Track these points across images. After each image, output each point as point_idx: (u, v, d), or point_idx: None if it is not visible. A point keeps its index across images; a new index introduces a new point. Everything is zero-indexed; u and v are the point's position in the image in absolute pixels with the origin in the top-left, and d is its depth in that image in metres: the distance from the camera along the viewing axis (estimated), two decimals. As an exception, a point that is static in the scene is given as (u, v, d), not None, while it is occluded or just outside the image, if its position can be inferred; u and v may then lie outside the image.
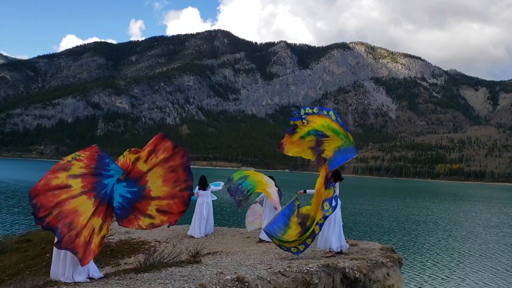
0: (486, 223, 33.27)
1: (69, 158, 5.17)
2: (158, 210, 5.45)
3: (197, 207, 11.23)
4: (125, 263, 8.39)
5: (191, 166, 5.63)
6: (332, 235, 7.74)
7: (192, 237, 11.01)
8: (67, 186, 4.97)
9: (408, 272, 14.94)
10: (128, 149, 5.63)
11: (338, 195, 7.97)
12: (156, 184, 5.46)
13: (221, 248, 9.09)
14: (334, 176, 7.66)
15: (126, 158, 5.49)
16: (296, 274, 6.08)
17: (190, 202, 5.71)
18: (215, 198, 11.86)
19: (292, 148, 7.82)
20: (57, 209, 4.86)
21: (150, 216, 5.45)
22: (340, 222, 7.97)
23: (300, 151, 7.84)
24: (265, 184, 10.39)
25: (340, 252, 7.81)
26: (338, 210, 7.94)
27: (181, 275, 5.56)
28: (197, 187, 11.23)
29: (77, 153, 5.24)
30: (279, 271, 6.05)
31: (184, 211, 5.60)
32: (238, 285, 5.28)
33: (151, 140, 5.54)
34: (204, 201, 11.26)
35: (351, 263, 6.84)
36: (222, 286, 5.16)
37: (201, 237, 10.96)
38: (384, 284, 6.87)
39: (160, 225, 5.64)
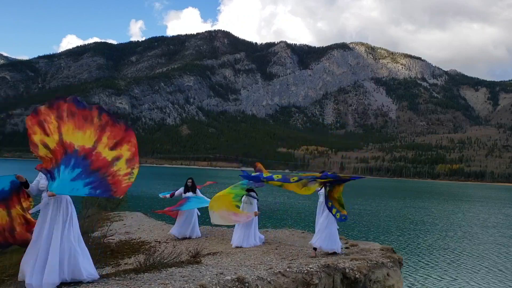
0: (484, 223, 33.28)
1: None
2: (126, 161, 4.87)
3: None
4: (125, 263, 8.38)
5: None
6: (328, 236, 7.80)
7: (177, 238, 10.50)
8: None
9: (408, 273, 14.94)
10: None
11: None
12: (91, 139, 4.80)
13: (221, 248, 9.09)
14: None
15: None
16: (296, 275, 6.08)
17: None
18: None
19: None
20: None
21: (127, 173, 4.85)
22: (335, 225, 8.03)
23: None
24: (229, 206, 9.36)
25: (334, 254, 7.85)
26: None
27: (181, 276, 5.55)
28: (182, 188, 10.66)
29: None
30: (279, 272, 6.06)
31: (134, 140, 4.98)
32: (238, 286, 5.28)
33: None
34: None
35: (351, 264, 6.85)
36: (222, 286, 5.15)
37: (184, 238, 10.47)
38: (384, 284, 6.88)
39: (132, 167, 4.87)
